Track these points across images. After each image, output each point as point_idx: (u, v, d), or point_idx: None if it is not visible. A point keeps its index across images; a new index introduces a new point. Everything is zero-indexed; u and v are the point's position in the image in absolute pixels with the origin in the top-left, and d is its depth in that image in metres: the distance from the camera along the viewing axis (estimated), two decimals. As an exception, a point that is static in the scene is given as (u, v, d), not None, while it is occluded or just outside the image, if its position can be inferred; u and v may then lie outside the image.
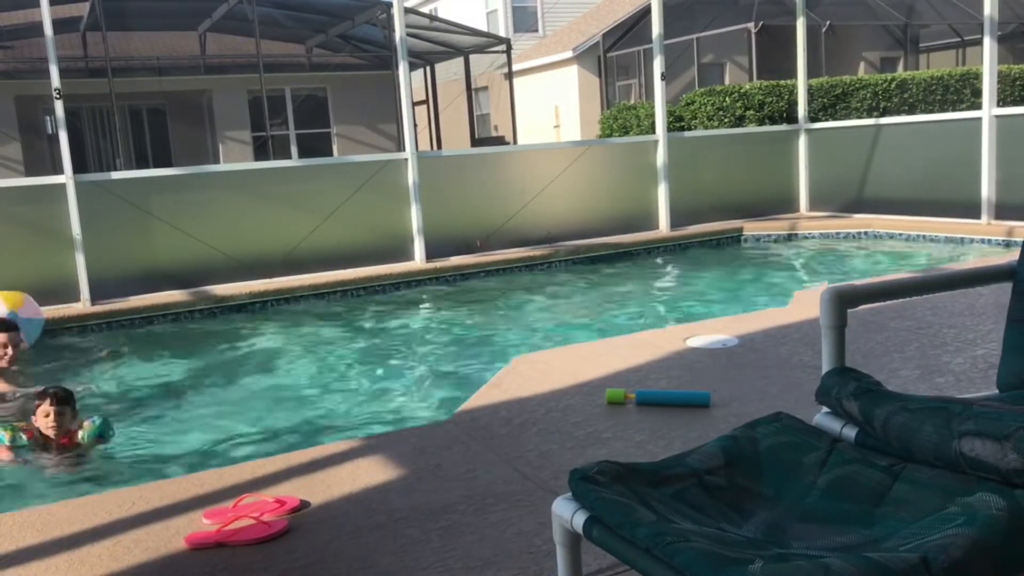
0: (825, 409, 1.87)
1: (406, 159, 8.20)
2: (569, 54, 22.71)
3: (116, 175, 7.68)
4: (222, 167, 8.98)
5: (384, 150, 18.52)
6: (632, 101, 20.26)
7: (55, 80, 6.80)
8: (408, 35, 9.24)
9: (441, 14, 23.11)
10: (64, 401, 4.02)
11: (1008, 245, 7.76)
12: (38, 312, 6.29)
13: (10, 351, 5.07)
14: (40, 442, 4.01)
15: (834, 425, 1.83)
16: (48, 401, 3.98)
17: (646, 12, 14.68)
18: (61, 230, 6.99)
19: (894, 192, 9.36)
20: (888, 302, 4.85)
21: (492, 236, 8.67)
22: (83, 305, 6.98)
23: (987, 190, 8.25)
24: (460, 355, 5.73)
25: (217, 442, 4.18)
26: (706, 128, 14.44)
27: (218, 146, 19.22)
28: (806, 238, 9.37)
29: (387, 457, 3.13)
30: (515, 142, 18.70)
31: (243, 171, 8.33)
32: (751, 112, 14.17)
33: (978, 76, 13.98)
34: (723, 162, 9.96)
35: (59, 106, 6.91)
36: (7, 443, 4.00)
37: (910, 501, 1.51)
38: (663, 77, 9.22)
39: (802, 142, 10.23)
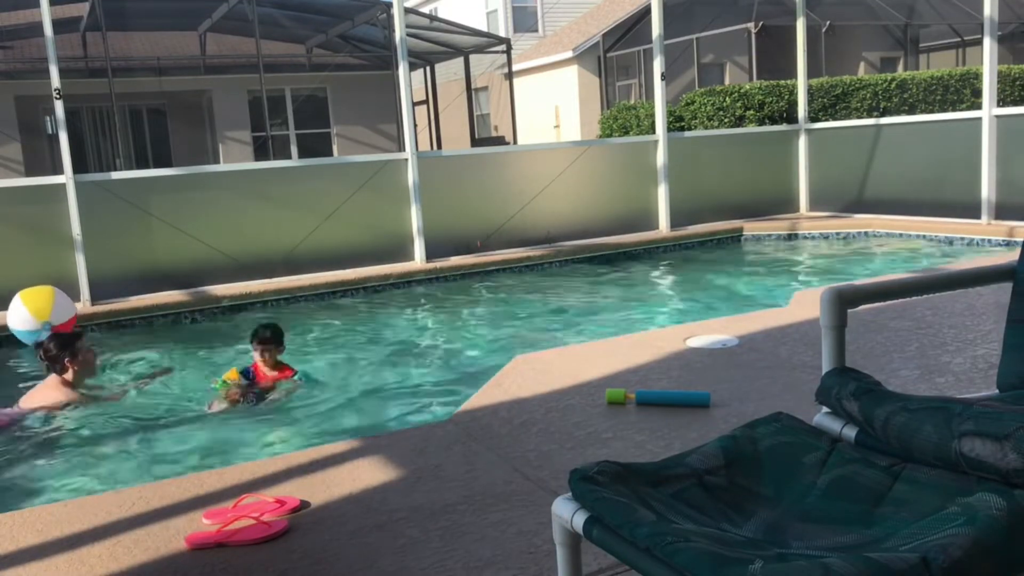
0: (825, 409, 1.87)
1: (406, 159, 8.20)
2: (569, 54, 22.70)
3: (116, 175, 7.67)
4: (222, 167, 8.98)
5: (384, 150, 18.53)
6: (632, 101, 20.25)
7: (55, 80, 6.80)
8: (408, 35, 9.24)
9: (441, 14, 23.12)
10: (267, 341, 4.78)
11: (1008, 245, 7.76)
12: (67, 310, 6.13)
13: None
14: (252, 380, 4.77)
15: (834, 425, 1.83)
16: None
17: (646, 12, 14.68)
18: (61, 230, 6.99)
19: (894, 192, 9.36)
20: (888, 302, 4.85)
21: (492, 236, 8.67)
22: (83, 305, 6.98)
23: (987, 190, 8.25)
24: (460, 355, 5.73)
25: (216, 442, 4.18)
26: (706, 128, 14.44)
27: (218, 146, 19.22)
28: (806, 238, 9.37)
29: (387, 457, 3.13)
30: (515, 142, 18.71)
31: (243, 171, 8.33)
32: (751, 112, 14.17)
33: (978, 76, 14.00)
34: (723, 162, 9.96)
35: (59, 106, 6.91)
36: (223, 395, 4.64)
37: (910, 501, 1.51)
38: (663, 77, 9.21)
39: (802, 142, 10.23)
